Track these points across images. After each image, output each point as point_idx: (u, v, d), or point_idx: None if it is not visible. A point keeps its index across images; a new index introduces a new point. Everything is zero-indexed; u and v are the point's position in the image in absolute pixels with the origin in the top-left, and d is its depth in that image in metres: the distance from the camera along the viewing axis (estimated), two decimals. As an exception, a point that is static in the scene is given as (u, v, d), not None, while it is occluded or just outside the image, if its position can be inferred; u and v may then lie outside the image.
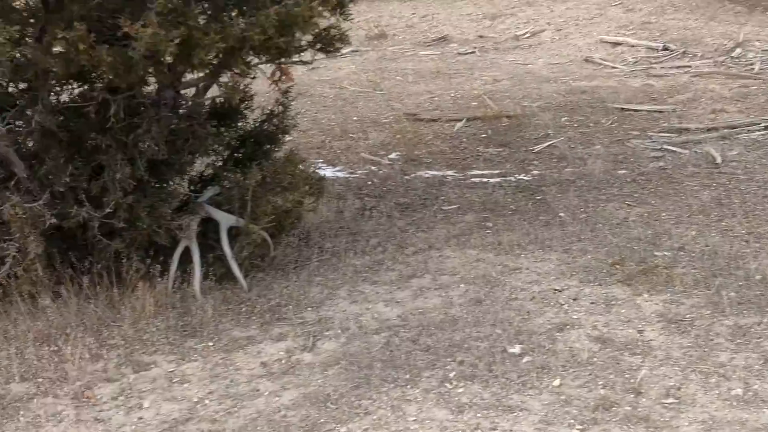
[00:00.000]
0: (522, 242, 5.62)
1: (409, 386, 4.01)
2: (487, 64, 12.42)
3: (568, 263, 5.25)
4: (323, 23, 5.05)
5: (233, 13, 4.81)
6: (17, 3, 4.79)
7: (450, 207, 6.46)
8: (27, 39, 4.58)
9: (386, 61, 12.76)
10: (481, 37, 14.49)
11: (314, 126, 8.86)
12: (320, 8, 4.81)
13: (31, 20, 4.68)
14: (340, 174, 7.48)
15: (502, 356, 4.19)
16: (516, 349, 4.26)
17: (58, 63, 4.46)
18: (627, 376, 3.97)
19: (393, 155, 8.01)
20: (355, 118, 9.39)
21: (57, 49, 4.53)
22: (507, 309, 4.68)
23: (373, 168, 7.63)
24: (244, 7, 4.77)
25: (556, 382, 3.96)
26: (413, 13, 16.51)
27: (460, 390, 3.95)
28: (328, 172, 7.47)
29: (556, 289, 4.91)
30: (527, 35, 14.14)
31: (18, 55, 4.43)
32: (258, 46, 4.63)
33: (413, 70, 12.16)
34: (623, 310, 4.61)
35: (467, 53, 13.41)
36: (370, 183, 7.20)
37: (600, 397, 3.83)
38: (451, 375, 4.07)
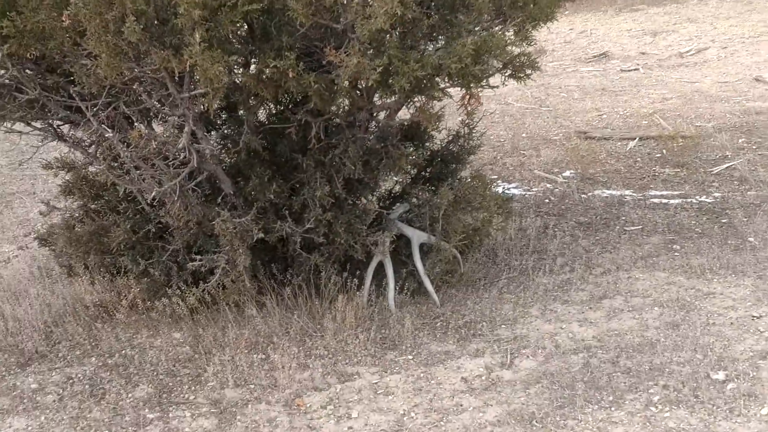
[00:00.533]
0: (713, 266, 5.54)
1: (613, 408, 4.03)
2: (652, 81, 12.24)
3: (763, 290, 5.15)
4: (515, 51, 5.15)
5: (429, 43, 4.97)
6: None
7: (633, 228, 6.44)
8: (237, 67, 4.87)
9: (548, 77, 12.75)
10: (643, 53, 14.31)
11: (485, 142, 8.92)
12: (513, 37, 4.94)
13: (242, 49, 4.96)
14: (516, 191, 7.55)
15: (706, 382, 4.16)
16: (720, 375, 4.21)
17: (267, 88, 4.70)
18: (841, 407, 3.88)
19: (567, 173, 8.02)
20: (524, 135, 9.45)
21: (266, 75, 4.79)
22: (706, 334, 4.64)
23: (548, 186, 7.67)
24: (440, 37, 4.92)
25: (765, 411, 3.90)
26: (571, 29, 16.45)
27: (666, 414, 3.94)
28: (507, 188, 7.57)
29: (754, 316, 4.83)
30: (691, 52, 13.87)
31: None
32: (454, 73, 4.75)
33: (577, 86, 12.12)
34: (828, 340, 4.50)
35: (630, 70, 13.27)
36: (547, 201, 7.24)
37: (813, 428, 3.76)
38: (656, 399, 4.06)
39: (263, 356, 4.78)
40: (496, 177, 8.02)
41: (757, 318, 4.81)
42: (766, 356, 4.37)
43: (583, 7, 17.28)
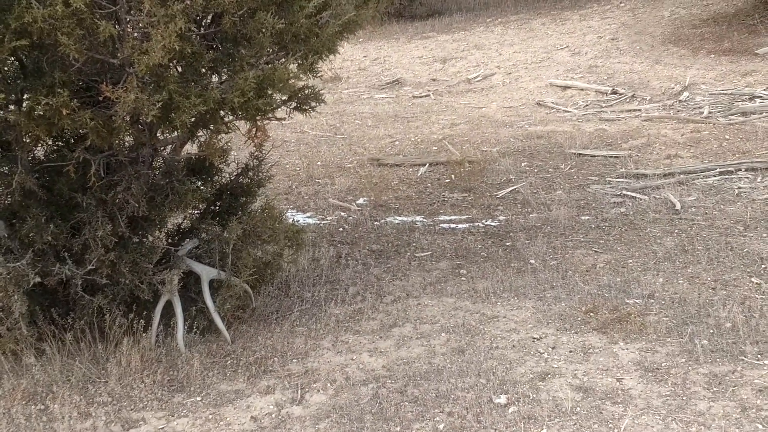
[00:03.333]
0: (497, 290, 5.76)
1: (401, 439, 4.10)
2: (442, 107, 12.66)
3: (543, 311, 5.40)
4: (299, 83, 5.18)
5: (214, 75, 4.92)
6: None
7: (423, 254, 6.59)
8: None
9: (343, 104, 12.94)
10: (434, 80, 14.78)
11: (280, 171, 8.94)
12: (296, 70, 4.97)
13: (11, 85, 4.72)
14: (311, 220, 7.58)
15: (489, 407, 4.29)
16: (502, 399, 4.36)
17: (40, 126, 4.48)
18: (611, 425, 4.09)
19: (361, 200, 8.13)
20: (319, 163, 9.51)
21: (38, 113, 4.57)
22: (489, 358, 4.79)
23: (342, 214, 7.74)
24: (223, 70, 4.87)
25: (544, 432, 4.08)
26: (365, 56, 16.77)
27: (451, 442, 4.05)
28: (298, 218, 7.58)
29: (534, 338, 5.04)
30: (478, 78, 14.45)
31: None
32: (237, 107, 4.71)
33: (371, 113, 12.35)
34: (601, 359, 4.75)
35: (422, 96, 13.67)
36: (341, 229, 7.30)
37: (587, 446, 3.96)
38: (441, 427, 4.15)
39: (42, 407, 4.53)
40: (291, 207, 8.02)
41: (537, 339, 5.02)
42: (545, 377, 4.57)
43: (377, 35, 17.66)
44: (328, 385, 4.65)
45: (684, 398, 4.27)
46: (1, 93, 4.21)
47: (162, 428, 4.33)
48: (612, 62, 13.77)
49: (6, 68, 4.57)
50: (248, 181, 5.79)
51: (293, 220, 7.27)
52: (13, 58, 4.52)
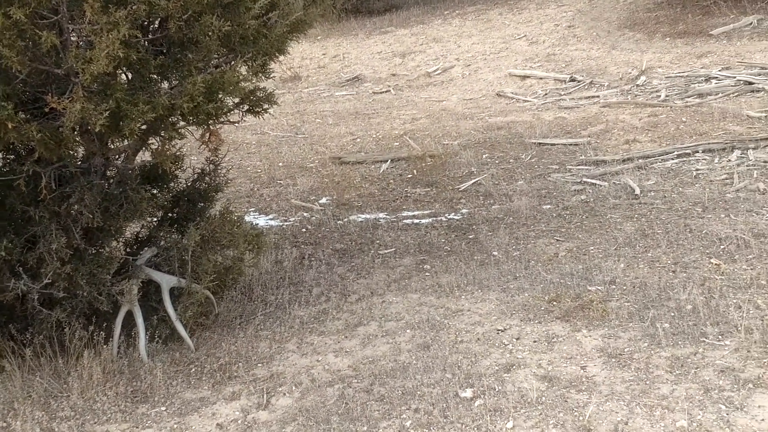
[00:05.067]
0: (461, 283, 5.75)
1: (367, 439, 4.08)
2: (403, 102, 12.65)
3: (507, 302, 5.40)
4: (250, 86, 5.14)
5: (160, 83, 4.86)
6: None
7: (387, 251, 6.57)
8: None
9: (304, 103, 12.90)
10: (393, 75, 14.77)
11: (241, 174, 8.90)
12: (246, 73, 4.93)
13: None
14: (273, 222, 7.54)
15: (455, 401, 4.28)
16: (468, 393, 4.35)
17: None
18: (576, 413, 4.10)
19: (323, 200, 8.10)
20: (281, 164, 9.46)
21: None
22: (454, 353, 4.79)
23: (305, 214, 7.71)
24: (172, 76, 4.82)
25: (510, 425, 4.06)
26: (324, 54, 16.71)
27: (418, 439, 4.04)
28: (261, 221, 7.54)
29: (498, 329, 5.04)
30: (438, 71, 14.46)
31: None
32: (187, 112, 4.67)
33: (332, 111, 12.31)
34: (565, 347, 4.76)
35: (382, 92, 13.65)
36: (304, 230, 7.27)
37: (553, 436, 3.96)
38: (408, 424, 4.14)
39: (3, 425, 4.46)
40: (253, 209, 7.97)
41: (502, 331, 5.02)
42: (510, 369, 4.57)
43: (335, 32, 17.60)
44: (294, 388, 4.62)
45: (647, 382, 4.29)
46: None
47: (126, 441, 4.29)
48: (569, 50, 13.84)
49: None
50: (205, 186, 5.73)
51: (253, 224, 7.22)
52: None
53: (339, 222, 7.44)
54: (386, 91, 13.65)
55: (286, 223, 7.55)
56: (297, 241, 7.01)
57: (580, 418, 4.05)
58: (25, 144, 4.71)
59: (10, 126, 4.13)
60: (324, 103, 13.12)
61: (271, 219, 7.68)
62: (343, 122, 11.52)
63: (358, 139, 10.42)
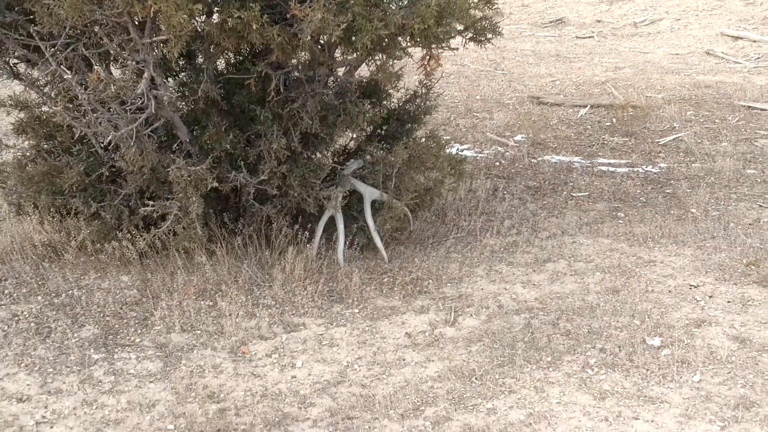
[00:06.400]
0: (655, 235, 5.71)
1: (551, 369, 4.17)
2: (606, 50, 12.39)
3: (702, 260, 5.33)
4: (477, 14, 5.21)
5: (393, 2, 4.99)
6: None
7: (580, 194, 6.58)
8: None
9: (504, 40, 12.77)
10: (598, 21, 14.45)
11: (440, 103, 8.99)
12: (475, 0, 4.99)
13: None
14: (468, 152, 7.65)
15: (642, 347, 4.31)
16: (656, 341, 4.37)
17: (230, 39, 4.69)
18: (767, 377, 4.05)
19: (518, 137, 8.14)
20: (478, 97, 9.52)
21: (229, 25, 4.77)
22: (644, 301, 4.79)
23: (499, 149, 7.77)
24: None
25: (696, 378, 4.07)
26: (529, -8, 16.47)
27: (602, 377, 4.09)
28: (455, 150, 7.65)
29: (691, 285, 5.00)
30: (645, 22, 14.03)
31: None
32: (416, 33, 4.78)
33: (532, 51, 12.21)
34: (760, 311, 4.67)
35: (585, 37, 13.40)
36: (498, 164, 7.35)
37: (740, 396, 3.92)
38: (592, 362, 4.21)
39: (211, 303, 4.84)
40: (449, 138, 8.06)
41: (695, 287, 4.98)
42: (701, 324, 4.54)
43: (543, -29, 17.31)
44: (482, 310, 4.76)
45: None
46: (198, 3, 4.42)
47: (321, 334, 4.55)
48: (790, 14, 13.13)
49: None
50: (415, 108, 5.88)
51: (456, 151, 7.35)
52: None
53: (533, 160, 7.47)
54: (589, 37, 13.39)
55: (480, 155, 7.65)
56: (490, 173, 7.10)
57: (770, 382, 4.01)
58: (258, 47, 4.99)
59: (254, 27, 4.38)
60: (525, 42, 13.03)
61: (466, 149, 7.79)
62: (543, 63, 11.42)
63: (558, 82, 10.33)
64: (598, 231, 5.84)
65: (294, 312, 4.77)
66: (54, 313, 4.77)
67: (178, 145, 5.21)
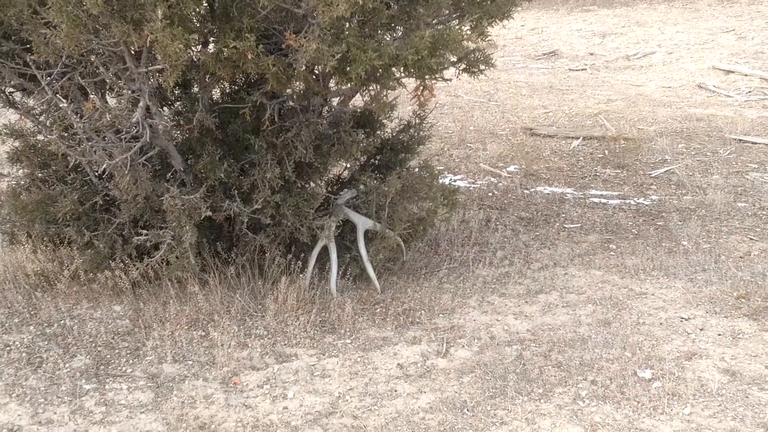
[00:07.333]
0: (646, 267, 5.73)
1: (542, 400, 4.17)
2: (598, 82, 12.48)
3: (693, 292, 5.35)
4: (471, 45, 5.26)
5: (387, 33, 5.04)
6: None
7: (572, 225, 6.61)
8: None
9: (498, 72, 12.90)
10: (591, 54, 14.57)
11: (433, 133, 9.03)
12: (469, 32, 5.04)
13: (201, 27, 4.97)
14: (461, 183, 7.68)
15: (633, 379, 4.32)
16: (647, 373, 4.38)
17: (225, 68, 4.72)
18: (756, 410, 4.06)
19: (512, 168, 8.18)
20: (472, 128, 9.58)
21: (225, 55, 4.81)
22: (636, 333, 4.81)
23: (492, 179, 7.81)
24: (398, 28, 4.99)
25: (687, 410, 4.07)
26: (522, 25, 16.63)
27: (593, 409, 4.09)
28: (448, 180, 7.69)
29: (682, 318, 5.01)
30: (638, 56, 14.15)
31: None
32: (410, 64, 4.83)
33: (526, 83, 12.30)
34: (750, 345, 4.69)
35: (578, 69, 13.50)
36: (491, 194, 7.38)
37: (730, 429, 3.92)
38: (583, 393, 4.22)
39: (203, 333, 4.83)
40: (443, 168, 8.13)
41: (686, 320, 4.99)
42: (691, 357, 4.55)
43: (536, 5, 17.48)
44: (474, 341, 4.77)
45: (835, 393, 4.19)
46: (194, 33, 4.46)
47: (313, 365, 4.55)
48: (781, 48, 13.26)
49: (197, 10, 4.81)
50: (409, 138, 5.92)
51: (449, 181, 7.39)
52: (205, 3, 4.76)
53: (526, 191, 7.51)
54: (582, 69, 13.50)
55: (473, 186, 7.68)
56: (483, 204, 7.13)
57: (761, 415, 4.01)
58: (252, 76, 5.03)
59: (250, 57, 4.42)
60: (518, 74, 13.12)
61: (459, 179, 7.82)
62: (537, 94, 11.50)
63: (551, 113, 10.40)
64: (589, 263, 5.86)
65: (286, 342, 4.77)
66: (46, 343, 4.76)
67: (172, 174, 5.22)
